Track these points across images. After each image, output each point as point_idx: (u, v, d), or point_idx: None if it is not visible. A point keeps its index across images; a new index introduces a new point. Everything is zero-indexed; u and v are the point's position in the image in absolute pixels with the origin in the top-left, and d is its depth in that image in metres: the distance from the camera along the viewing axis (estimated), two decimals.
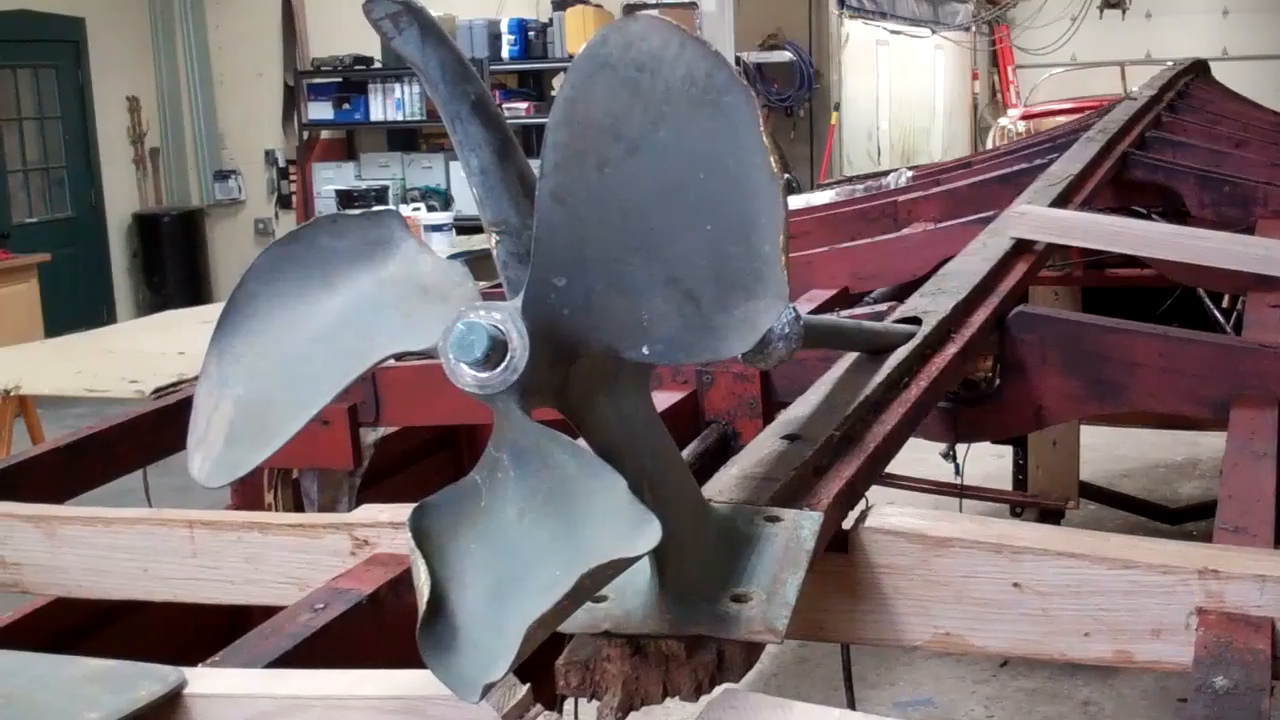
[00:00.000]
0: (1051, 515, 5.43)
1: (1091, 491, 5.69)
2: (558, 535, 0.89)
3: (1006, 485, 5.45)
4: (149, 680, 1.13)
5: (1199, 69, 7.12)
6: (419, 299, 0.99)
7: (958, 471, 4.44)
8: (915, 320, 1.93)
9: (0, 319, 9.54)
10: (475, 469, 0.95)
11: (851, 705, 2.74)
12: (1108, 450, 6.76)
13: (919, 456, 3.64)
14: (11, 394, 5.37)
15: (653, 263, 0.93)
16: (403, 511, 0.95)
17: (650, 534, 0.85)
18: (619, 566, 0.86)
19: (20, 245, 10.46)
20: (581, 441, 1.03)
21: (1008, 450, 5.37)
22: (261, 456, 0.97)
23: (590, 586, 0.86)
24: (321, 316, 0.99)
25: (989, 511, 5.80)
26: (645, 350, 0.94)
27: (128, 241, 12.64)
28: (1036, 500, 5.06)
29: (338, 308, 1.00)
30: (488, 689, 0.86)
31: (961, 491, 4.66)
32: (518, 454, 0.92)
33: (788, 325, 1.36)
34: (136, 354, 4.95)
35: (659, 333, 0.94)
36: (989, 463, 5.55)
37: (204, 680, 1.15)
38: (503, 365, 0.90)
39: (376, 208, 1.28)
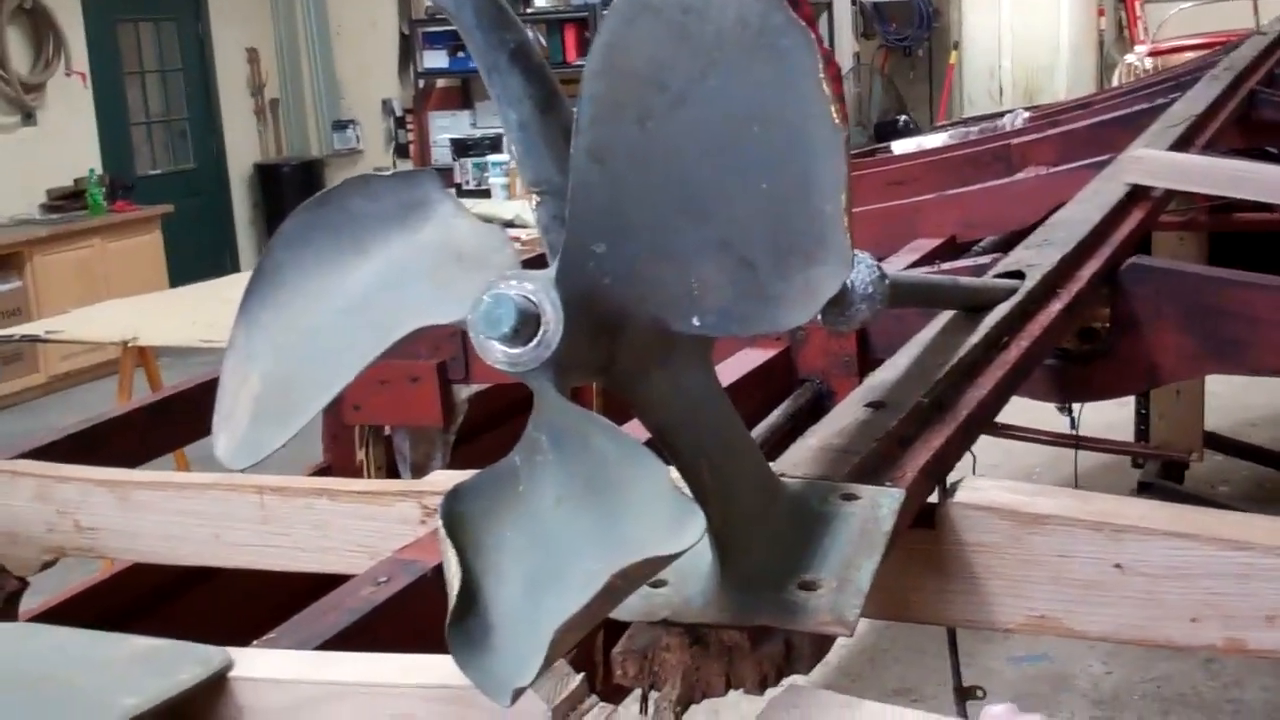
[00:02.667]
0: (1175, 467, 5.23)
1: (1217, 442, 5.45)
2: (596, 525, 0.81)
3: (1127, 435, 5.24)
4: (192, 662, 1.09)
5: None
6: (454, 266, 0.91)
7: (1073, 424, 4.27)
8: (1018, 274, 1.81)
9: (126, 270, 9.73)
10: (515, 449, 0.88)
11: (956, 672, 2.64)
12: (1234, 399, 6.49)
13: (1032, 404, 3.51)
14: (130, 345, 5.45)
15: (702, 226, 0.85)
16: None
17: (692, 529, 0.77)
18: (655, 565, 0.78)
19: (144, 197, 10.63)
20: (635, 421, 0.95)
21: (1129, 398, 5.16)
22: (285, 436, 0.91)
23: (624, 586, 0.78)
24: (350, 287, 0.93)
25: (1108, 464, 5.61)
26: (696, 321, 0.86)
27: (249, 192, 12.77)
28: (1159, 452, 4.86)
29: (367, 277, 0.93)
30: (518, 693, 0.79)
31: (1078, 443, 4.47)
32: (556, 436, 0.85)
33: (871, 285, 1.26)
34: None
35: (710, 303, 0.86)
36: (1109, 411, 5.32)
37: (250, 662, 1.10)
38: (535, 340, 0.82)
39: (413, 168, 1.21)
